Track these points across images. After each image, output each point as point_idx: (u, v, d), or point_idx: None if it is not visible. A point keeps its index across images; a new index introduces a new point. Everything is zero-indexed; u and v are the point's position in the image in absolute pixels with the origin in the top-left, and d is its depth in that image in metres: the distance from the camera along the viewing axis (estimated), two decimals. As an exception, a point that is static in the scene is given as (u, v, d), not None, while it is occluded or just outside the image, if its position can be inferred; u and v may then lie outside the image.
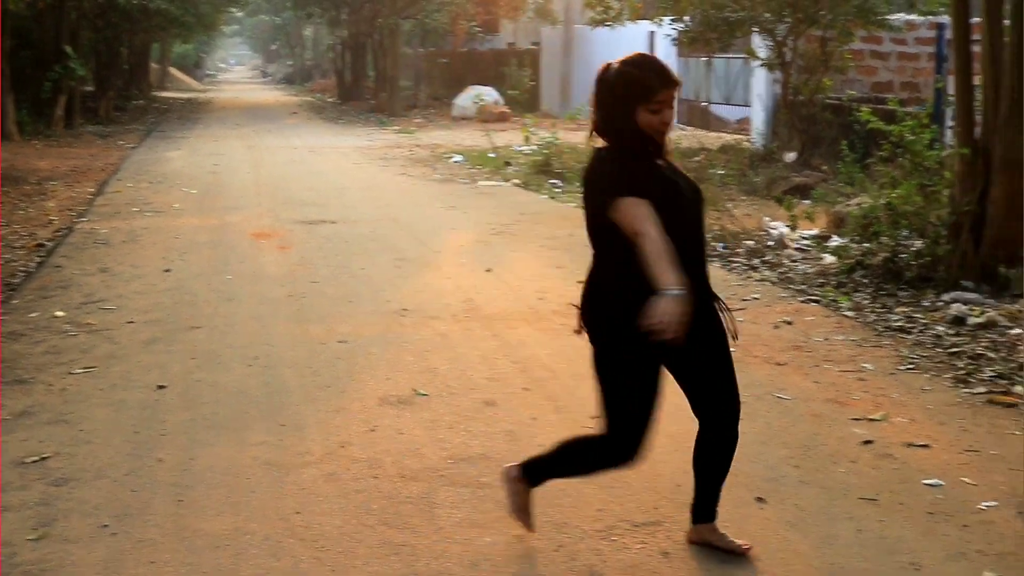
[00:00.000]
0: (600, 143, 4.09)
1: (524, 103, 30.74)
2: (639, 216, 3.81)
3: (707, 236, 4.24)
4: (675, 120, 19.59)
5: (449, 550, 4.41)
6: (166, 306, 8.68)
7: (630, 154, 3.97)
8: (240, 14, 71.60)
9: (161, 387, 6.57)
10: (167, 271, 10.07)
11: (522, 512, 4.45)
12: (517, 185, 16.88)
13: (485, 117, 28.97)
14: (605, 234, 3.98)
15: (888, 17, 17.76)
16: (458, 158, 20.65)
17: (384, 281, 9.62)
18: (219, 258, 10.79)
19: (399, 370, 6.91)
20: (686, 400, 6.19)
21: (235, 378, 6.77)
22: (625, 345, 4.01)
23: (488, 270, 10.04)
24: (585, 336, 4.17)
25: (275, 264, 10.51)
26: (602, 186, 3.98)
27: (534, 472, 4.43)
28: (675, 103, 4.03)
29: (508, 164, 19.22)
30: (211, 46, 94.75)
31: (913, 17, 20.14)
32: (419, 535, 4.54)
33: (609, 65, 4.06)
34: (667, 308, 3.67)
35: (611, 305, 4.03)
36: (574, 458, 4.40)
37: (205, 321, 8.16)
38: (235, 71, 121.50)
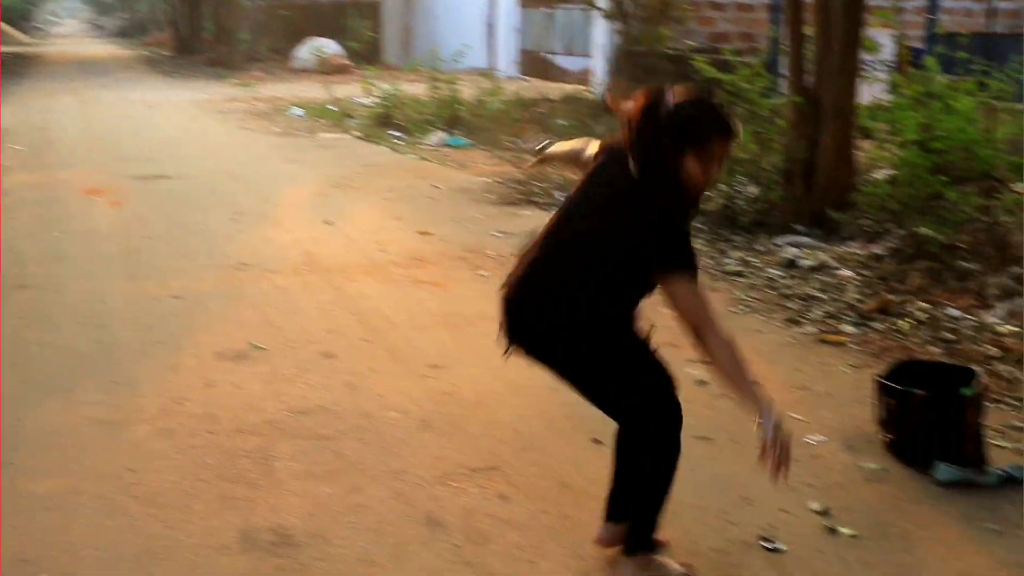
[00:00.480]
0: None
1: (365, 55, 30.42)
2: (709, 305, 3.55)
3: None
4: (517, 71, 19.48)
5: (287, 502, 4.37)
6: (-8, 265, 8.39)
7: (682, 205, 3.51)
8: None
9: (-11, 348, 6.36)
10: (-6, 229, 9.74)
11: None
12: (358, 137, 16.69)
13: (325, 69, 28.58)
14: (616, 259, 3.53)
15: (724, -32, 18.04)
16: (298, 111, 20.32)
17: (221, 236, 9.43)
18: (49, 216, 10.44)
19: (236, 325, 6.80)
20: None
21: (66, 337, 6.58)
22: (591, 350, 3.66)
23: (328, 223, 9.92)
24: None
25: (108, 221, 10.21)
26: (665, 231, 3.46)
27: (637, 540, 3.77)
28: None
29: (349, 117, 18.99)
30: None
31: (748, -32, 20.51)
32: (257, 488, 4.48)
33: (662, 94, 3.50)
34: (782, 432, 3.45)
35: (580, 327, 3.61)
36: (648, 474, 3.76)
37: (34, 280, 7.90)
38: (66, 24, 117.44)
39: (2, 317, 7.01)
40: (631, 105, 3.48)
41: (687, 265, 3.46)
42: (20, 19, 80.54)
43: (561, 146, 4.32)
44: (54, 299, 7.43)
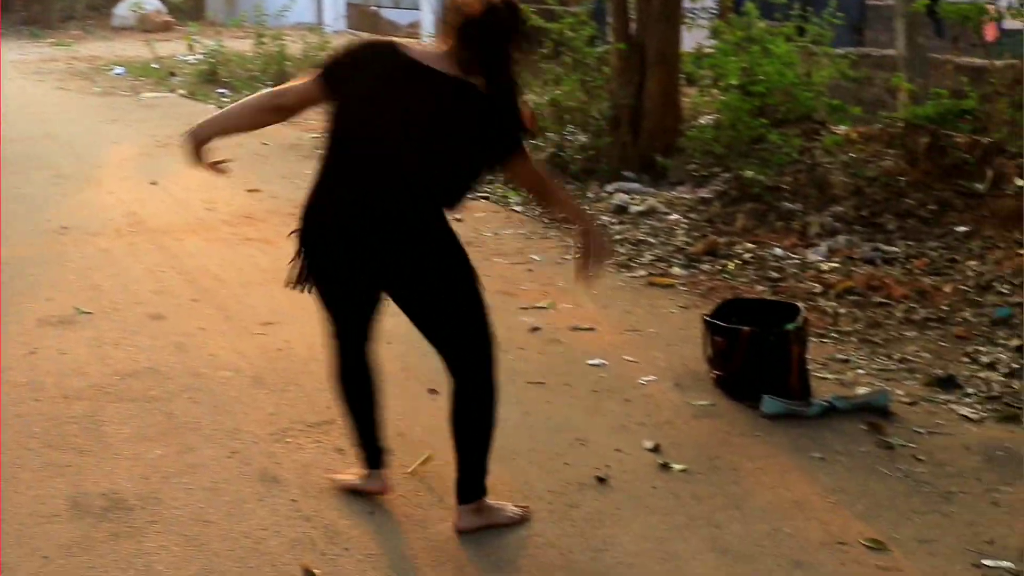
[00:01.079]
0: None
1: (188, 11, 29.66)
2: (542, 166, 3.78)
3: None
4: (345, 25, 19.16)
5: (118, 466, 4.27)
6: None
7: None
8: None
9: None
10: None
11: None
12: (183, 96, 16.29)
13: (147, 27, 27.74)
14: (471, 176, 3.63)
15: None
16: (119, 70, 19.71)
17: (42, 199, 9.11)
18: None
19: (60, 290, 6.59)
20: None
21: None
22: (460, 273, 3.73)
23: (153, 183, 9.67)
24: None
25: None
26: (511, 127, 3.56)
27: (471, 487, 3.75)
28: None
29: (172, 75, 18.51)
30: None
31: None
32: (85, 454, 4.37)
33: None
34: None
35: (454, 245, 3.69)
36: (479, 418, 3.72)
37: None
38: None
39: None
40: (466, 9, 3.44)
41: (523, 145, 3.63)
42: None
43: (217, 122, 3.86)
44: None
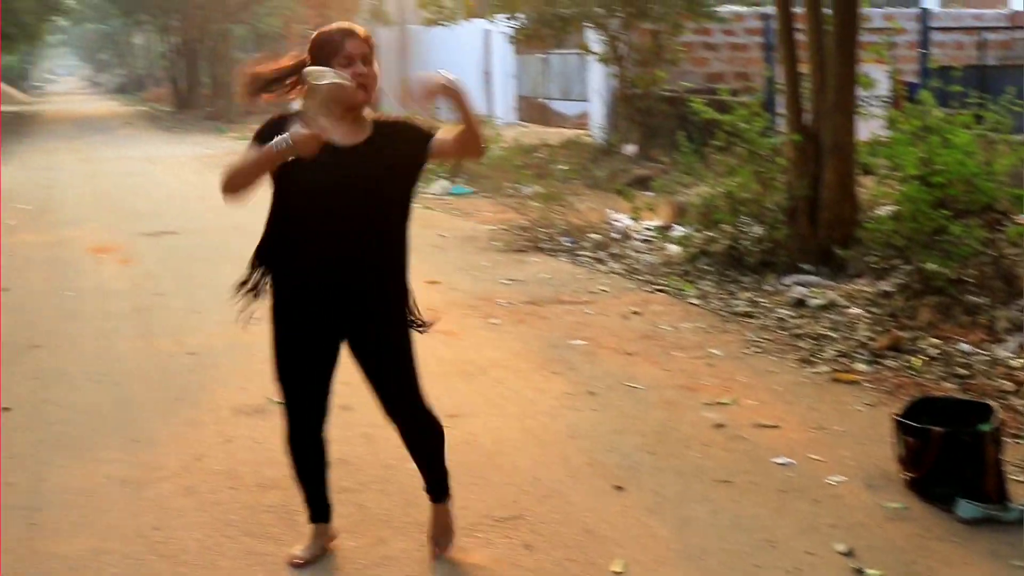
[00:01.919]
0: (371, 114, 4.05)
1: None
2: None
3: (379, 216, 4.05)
4: (515, 117, 19.50)
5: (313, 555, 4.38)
6: (5, 326, 8.41)
7: None
8: (64, 23, 69.62)
9: (6, 409, 6.37)
10: (5, 290, 9.77)
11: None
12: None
13: (325, 120, 28.70)
14: (405, 205, 4.12)
15: (716, 9, 18.17)
16: (299, 162, 20.39)
17: (231, 290, 9.43)
18: (58, 275, 10.50)
19: (251, 379, 6.81)
20: (541, 394, 6.29)
21: (83, 396, 6.61)
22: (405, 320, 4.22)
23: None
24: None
25: (117, 278, 10.27)
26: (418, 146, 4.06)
27: (442, 490, 4.46)
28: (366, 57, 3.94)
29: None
30: (36, 57, 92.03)
31: (740, 8, 20.66)
32: (281, 543, 4.50)
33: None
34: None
35: (404, 284, 4.22)
36: (436, 452, 4.42)
37: (47, 340, 7.95)
38: (64, 82, 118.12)
39: (16, 378, 7.04)
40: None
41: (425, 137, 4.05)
42: (18, 78, 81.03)
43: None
44: (69, 358, 7.47)
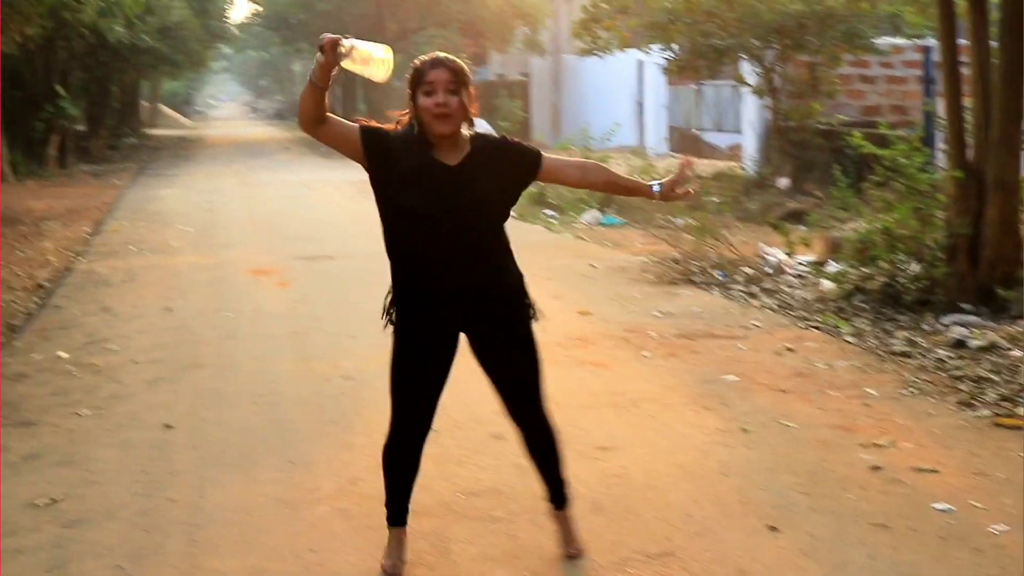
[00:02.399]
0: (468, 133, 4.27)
1: (516, 134, 30.70)
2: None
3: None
4: (667, 148, 19.43)
5: (465, 585, 4.43)
6: (168, 345, 8.69)
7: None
8: (228, 51, 71.83)
9: (168, 426, 6.57)
10: (168, 310, 10.09)
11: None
12: (513, 217, 16.82)
13: (478, 148, 29.02)
14: (505, 216, 4.36)
15: (875, 41, 17.87)
16: (451, 191, 20.63)
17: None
18: (219, 296, 10.81)
19: (405, 405, 6.90)
20: (693, 429, 6.26)
21: (241, 416, 6.78)
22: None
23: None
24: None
25: (275, 301, 10.52)
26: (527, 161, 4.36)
27: (563, 497, 4.67)
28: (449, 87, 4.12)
29: (502, 195, 19.22)
30: (200, 83, 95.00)
31: (899, 40, 20.29)
32: (434, 571, 4.55)
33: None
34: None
35: (514, 278, 4.39)
36: (557, 458, 4.66)
37: (208, 360, 8.18)
38: (225, 107, 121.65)
39: (179, 396, 7.27)
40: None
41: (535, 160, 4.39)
42: (182, 103, 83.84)
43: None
44: (228, 378, 7.67)
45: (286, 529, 5.01)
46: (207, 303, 10.43)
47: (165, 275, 12.05)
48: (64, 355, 8.37)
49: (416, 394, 4.41)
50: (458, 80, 4.11)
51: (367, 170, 4.22)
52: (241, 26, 54.10)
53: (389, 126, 4.25)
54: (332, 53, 3.90)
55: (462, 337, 4.38)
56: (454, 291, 4.21)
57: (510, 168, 4.27)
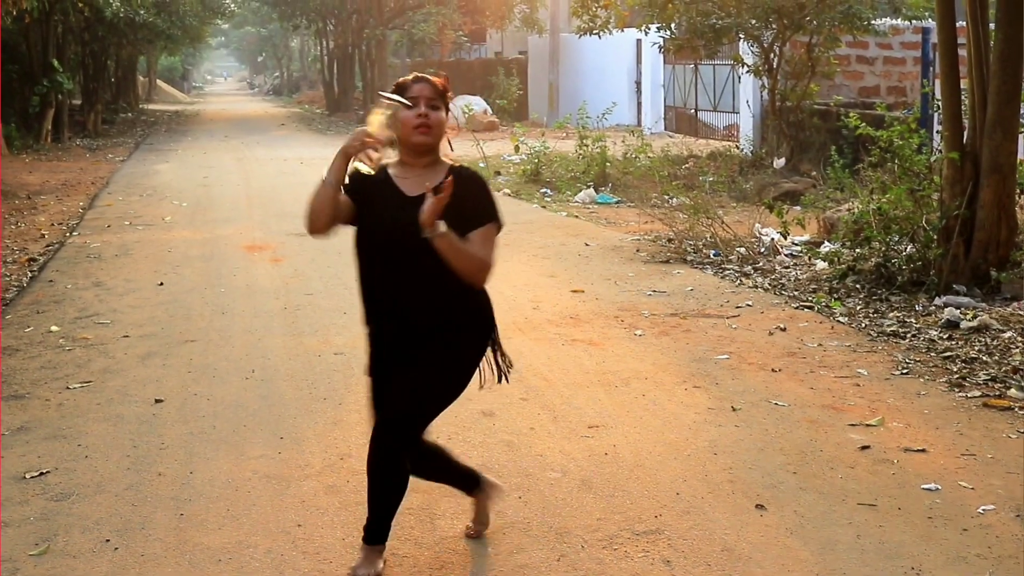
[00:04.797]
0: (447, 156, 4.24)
1: (512, 112, 30.83)
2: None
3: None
4: (663, 127, 19.39)
5: (450, 560, 4.43)
6: (161, 320, 8.69)
7: None
8: (226, 26, 71.70)
9: (158, 401, 6.58)
10: (160, 285, 10.08)
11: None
12: (507, 194, 16.88)
13: (474, 127, 28.97)
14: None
15: (873, 22, 17.83)
16: (447, 168, 20.63)
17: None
18: (212, 271, 10.80)
19: (396, 381, 6.90)
20: (684, 408, 6.26)
21: (232, 391, 6.78)
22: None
23: (481, 280, 10.03)
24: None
25: (268, 276, 10.51)
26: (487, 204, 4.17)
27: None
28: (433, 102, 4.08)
29: (498, 174, 19.24)
30: (197, 58, 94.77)
31: (898, 22, 20.27)
32: (421, 546, 4.56)
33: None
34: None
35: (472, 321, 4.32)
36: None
37: (200, 335, 8.18)
38: (222, 83, 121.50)
39: (170, 370, 7.26)
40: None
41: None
42: (179, 79, 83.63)
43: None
44: (220, 353, 7.67)
45: (274, 504, 5.02)
46: (200, 278, 10.42)
47: (158, 250, 12.04)
48: (56, 329, 8.37)
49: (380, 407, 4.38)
50: (440, 96, 4.10)
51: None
52: (239, 1, 53.98)
53: (370, 165, 4.12)
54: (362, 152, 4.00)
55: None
56: (400, 323, 4.15)
57: (466, 210, 4.03)
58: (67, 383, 6.97)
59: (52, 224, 14.18)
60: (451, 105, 4.19)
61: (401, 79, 4.20)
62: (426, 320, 4.12)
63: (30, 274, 10.73)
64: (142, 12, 30.83)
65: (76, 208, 15.86)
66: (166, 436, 5.97)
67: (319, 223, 4.05)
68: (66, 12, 27.80)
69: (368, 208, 4.10)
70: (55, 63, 27.09)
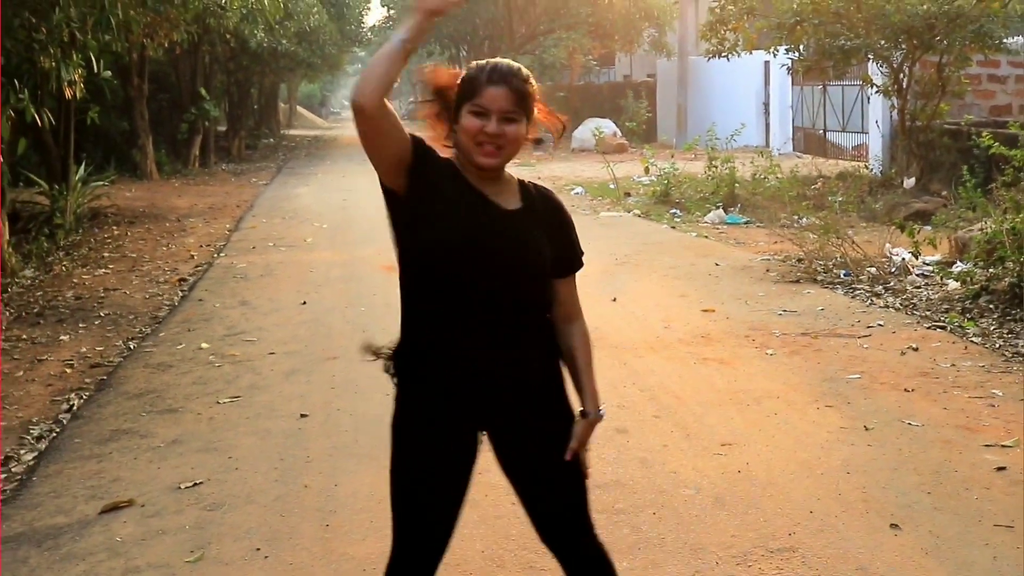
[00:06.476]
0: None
1: (641, 135, 30.90)
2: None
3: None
4: (791, 148, 19.19)
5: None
6: (304, 338, 8.98)
7: None
8: (363, 54, 72.86)
9: (303, 416, 6.82)
10: (303, 304, 10.41)
11: None
12: (637, 215, 16.98)
13: (604, 149, 29.01)
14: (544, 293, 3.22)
15: (1005, 41, 17.53)
16: (579, 190, 20.84)
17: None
18: (352, 291, 11.09)
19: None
20: (815, 427, 6.28)
21: (373, 407, 6.97)
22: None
23: (614, 299, 10.18)
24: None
25: (404, 297, 10.71)
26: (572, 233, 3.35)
27: None
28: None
29: (628, 195, 19.36)
30: (335, 85, 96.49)
31: (1030, 40, 19.89)
32: (547, 557, 4.67)
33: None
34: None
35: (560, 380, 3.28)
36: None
37: (342, 352, 8.43)
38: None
39: (313, 386, 7.52)
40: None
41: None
42: (318, 105, 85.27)
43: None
44: (361, 370, 7.87)
45: (416, 515, 5.18)
46: (341, 298, 10.72)
47: (300, 270, 12.41)
48: (206, 346, 8.72)
49: (426, 507, 3.28)
50: (522, 105, 3.04)
51: (398, 188, 3.04)
52: (375, 29, 54.90)
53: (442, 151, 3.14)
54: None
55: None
56: (480, 359, 3.08)
57: (557, 239, 3.23)
58: (217, 398, 7.27)
59: (200, 245, 14.69)
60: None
61: (473, 68, 3.11)
62: (537, 369, 3.19)
63: (181, 293, 11.17)
64: (284, 42, 31.61)
65: (223, 230, 16.40)
66: (311, 450, 6.20)
67: (371, 87, 2.88)
68: (213, 43, 28.74)
69: (442, 205, 3.03)
70: (202, 91, 28.11)
